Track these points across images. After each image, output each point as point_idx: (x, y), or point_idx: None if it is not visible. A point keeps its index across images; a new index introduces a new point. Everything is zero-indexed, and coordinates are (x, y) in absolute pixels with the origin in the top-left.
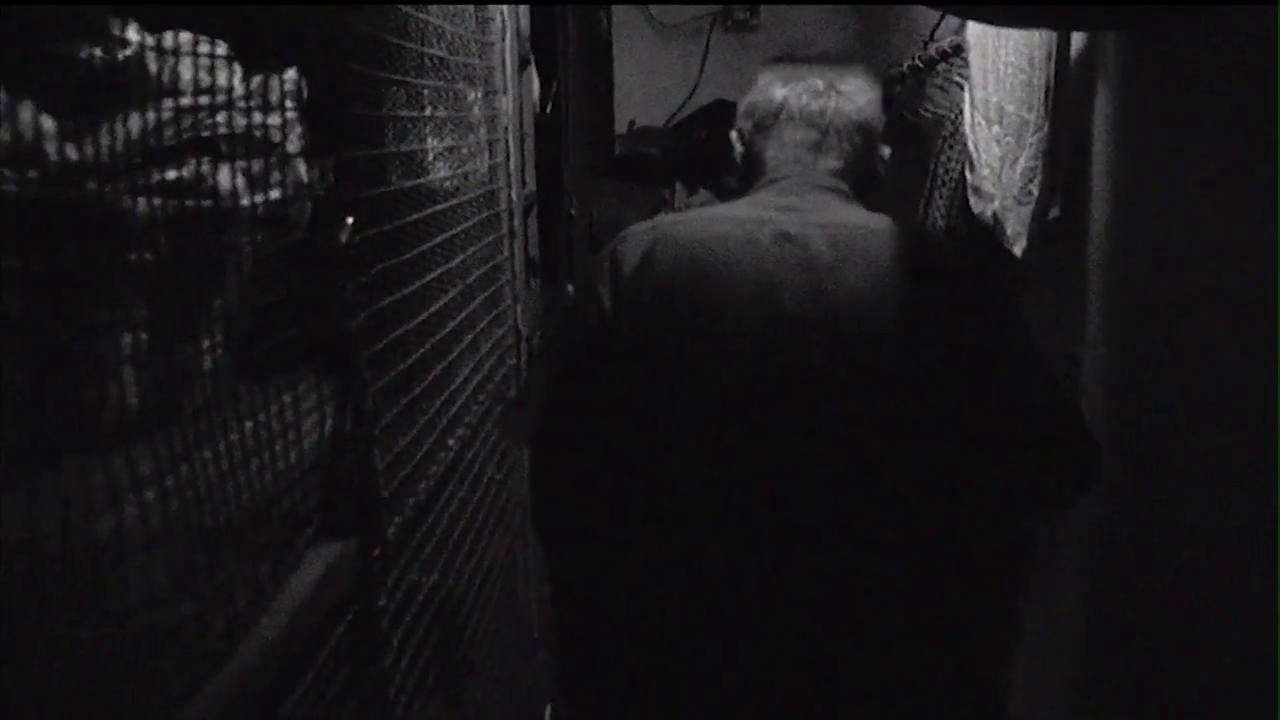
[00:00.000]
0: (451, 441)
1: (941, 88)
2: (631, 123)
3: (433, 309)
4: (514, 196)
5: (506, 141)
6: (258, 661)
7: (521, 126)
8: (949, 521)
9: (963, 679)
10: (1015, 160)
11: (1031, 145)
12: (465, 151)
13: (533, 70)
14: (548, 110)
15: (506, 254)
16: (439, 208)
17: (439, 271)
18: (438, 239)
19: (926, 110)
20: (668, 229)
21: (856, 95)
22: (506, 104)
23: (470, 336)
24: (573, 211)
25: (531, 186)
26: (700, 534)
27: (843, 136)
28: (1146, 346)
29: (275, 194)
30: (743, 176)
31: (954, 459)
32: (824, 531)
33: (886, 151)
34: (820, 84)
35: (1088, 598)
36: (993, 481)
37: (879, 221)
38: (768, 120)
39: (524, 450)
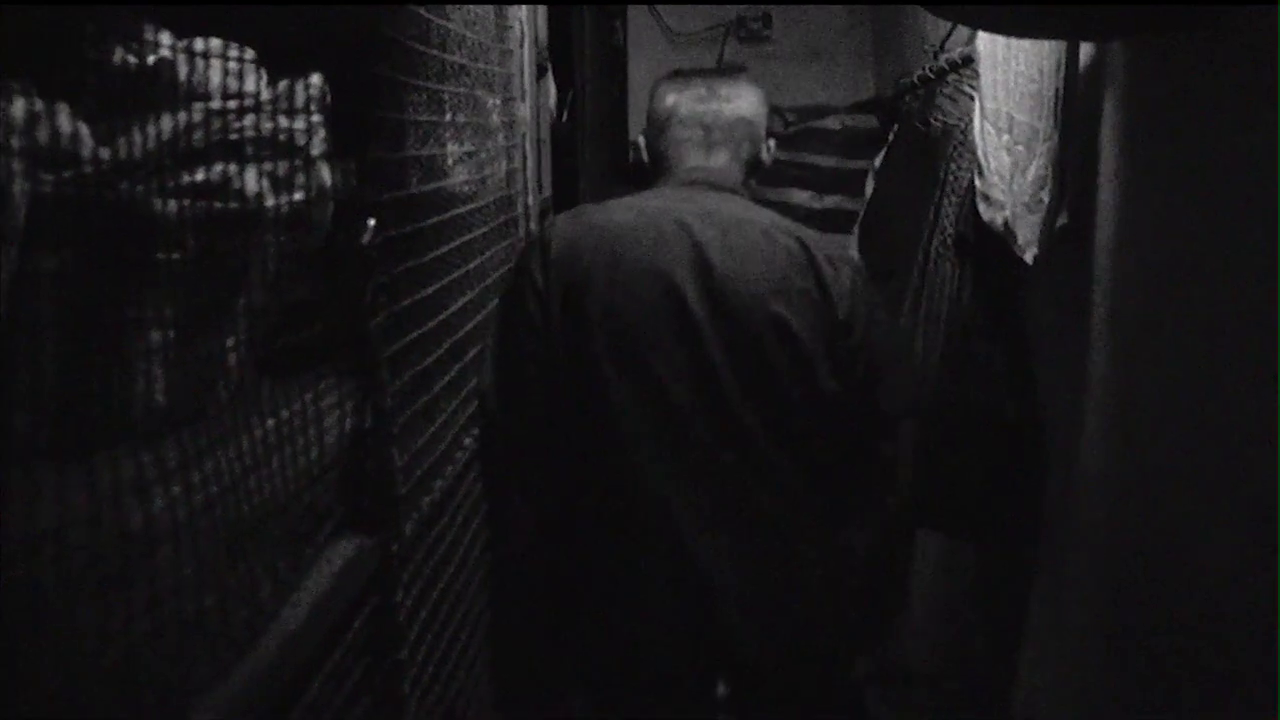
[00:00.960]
0: (468, 440)
1: (951, 98)
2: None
3: (451, 310)
4: (530, 201)
5: (524, 147)
6: (278, 652)
7: (539, 133)
8: (802, 435)
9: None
10: (1026, 168)
11: (1042, 154)
12: (484, 156)
13: (550, 78)
14: (564, 118)
15: None
16: (458, 211)
17: (457, 273)
18: (456, 242)
19: (937, 120)
20: (588, 217)
21: (734, 98)
22: (524, 111)
23: (487, 338)
24: None
25: (548, 192)
26: (619, 437)
27: (725, 133)
28: (1152, 352)
29: (299, 196)
30: (650, 171)
31: (802, 386)
32: (704, 435)
33: (772, 143)
34: (703, 90)
35: (1088, 599)
36: (840, 406)
37: (753, 212)
38: (662, 124)
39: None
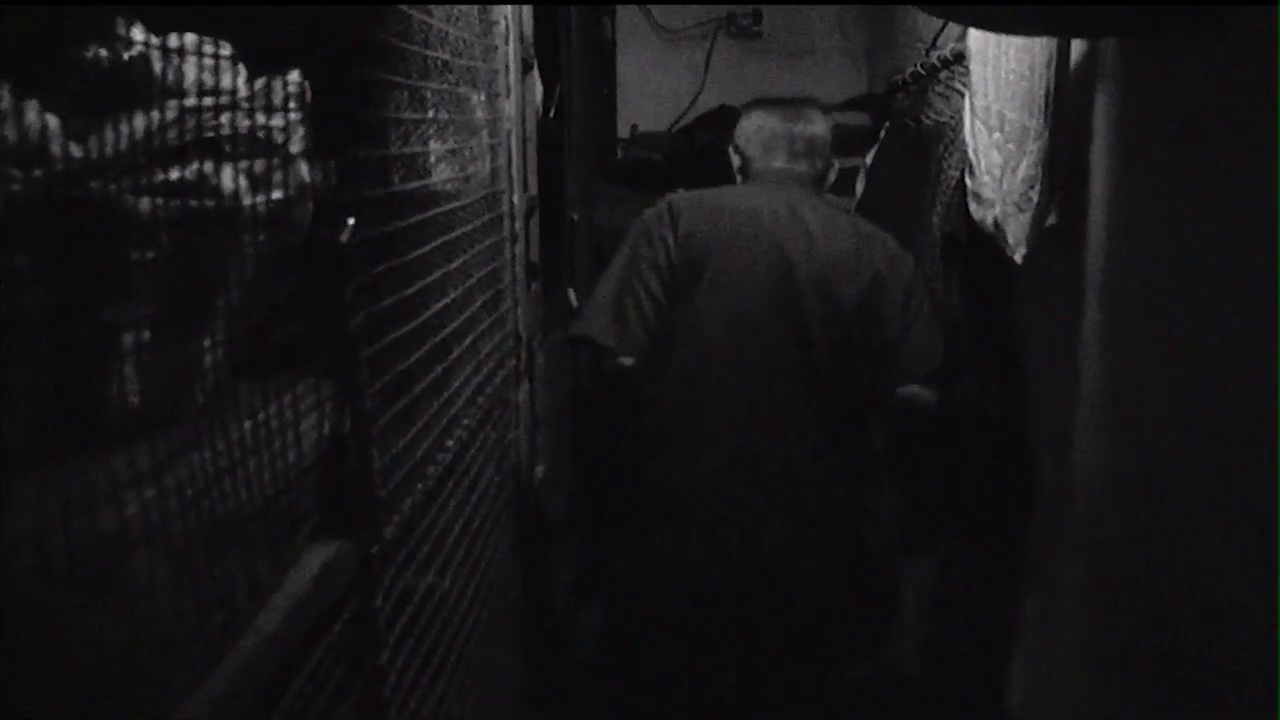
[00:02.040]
0: (450, 443)
1: (943, 95)
2: (634, 128)
3: (433, 310)
4: (516, 200)
5: (509, 145)
6: (256, 657)
7: (524, 130)
8: (852, 379)
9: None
10: (1016, 167)
11: (1032, 152)
12: (468, 154)
13: (536, 75)
14: (551, 115)
15: (508, 257)
16: (441, 210)
17: (440, 273)
18: (439, 241)
19: (928, 117)
20: (715, 200)
21: (811, 122)
22: (509, 108)
23: (470, 339)
24: (574, 216)
25: (534, 190)
26: (721, 379)
27: (806, 145)
28: (1143, 351)
29: (277, 194)
30: (740, 171)
31: (871, 349)
32: (789, 370)
33: (836, 163)
34: (789, 111)
35: (1086, 599)
36: (882, 362)
37: (834, 205)
38: (752, 135)
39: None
